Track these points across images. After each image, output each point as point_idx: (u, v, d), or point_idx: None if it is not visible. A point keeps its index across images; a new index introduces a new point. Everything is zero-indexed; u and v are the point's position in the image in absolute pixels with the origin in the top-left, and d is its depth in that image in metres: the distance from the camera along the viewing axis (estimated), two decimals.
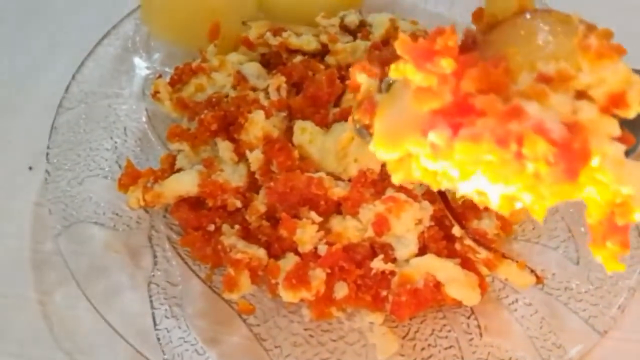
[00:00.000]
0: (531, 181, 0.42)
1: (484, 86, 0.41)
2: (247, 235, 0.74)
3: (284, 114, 0.81)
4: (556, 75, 0.42)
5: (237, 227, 0.74)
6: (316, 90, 0.79)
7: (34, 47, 1.02)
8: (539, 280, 0.68)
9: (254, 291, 0.72)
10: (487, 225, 0.73)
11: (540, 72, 0.42)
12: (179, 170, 0.78)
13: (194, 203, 0.75)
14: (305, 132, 0.78)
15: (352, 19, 0.91)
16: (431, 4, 1.02)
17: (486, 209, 0.74)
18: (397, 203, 0.71)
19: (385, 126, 0.48)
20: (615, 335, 0.73)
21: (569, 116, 0.41)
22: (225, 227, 0.73)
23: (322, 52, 0.89)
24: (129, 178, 0.75)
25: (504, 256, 0.68)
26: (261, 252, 0.71)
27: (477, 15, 0.51)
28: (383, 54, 0.84)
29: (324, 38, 0.88)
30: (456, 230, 0.70)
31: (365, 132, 0.53)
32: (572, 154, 0.40)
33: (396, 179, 0.49)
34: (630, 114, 0.41)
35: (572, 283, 0.71)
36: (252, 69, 0.86)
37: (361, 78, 0.52)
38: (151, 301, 0.69)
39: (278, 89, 0.82)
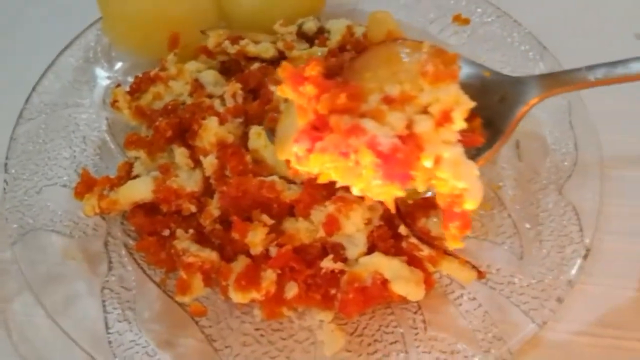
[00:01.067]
0: (367, 182, 0.55)
1: (337, 108, 0.52)
2: (202, 239, 0.76)
3: (240, 119, 0.83)
4: (399, 96, 0.53)
5: (191, 231, 0.75)
6: (272, 96, 0.81)
7: None
8: (480, 275, 0.70)
9: (208, 294, 0.74)
10: (433, 224, 0.75)
11: (386, 94, 0.53)
12: (136, 177, 0.80)
13: (150, 209, 0.77)
14: (261, 137, 0.80)
15: (309, 26, 0.93)
16: (391, 10, 1.04)
17: (434, 208, 0.77)
18: (346, 203, 0.73)
19: (280, 133, 0.60)
20: (560, 328, 0.75)
21: (403, 130, 0.52)
22: (179, 232, 0.75)
23: (279, 59, 0.91)
24: (85, 186, 0.77)
25: (446, 253, 0.70)
26: (214, 255, 0.73)
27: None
28: (338, 60, 0.86)
29: (280, 45, 0.90)
30: (402, 229, 0.72)
31: (271, 135, 0.66)
32: (395, 163, 0.52)
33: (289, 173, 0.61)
34: (456, 128, 0.52)
35: (516, 277, 0.73)
36: (210, 77, 0.88)
37: (272, 88, 0.62)
38: (104, 306, 0.71)
39: (234, 96, 0.84)
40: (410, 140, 0.52)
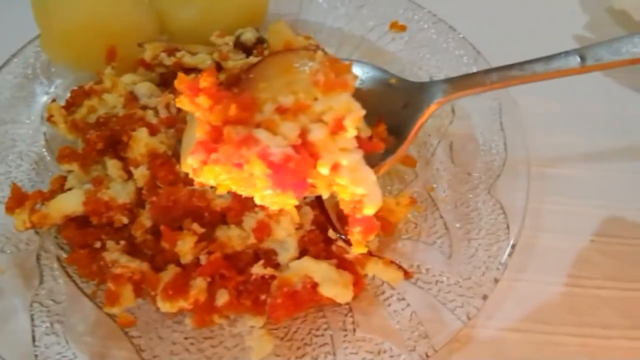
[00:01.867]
0: (260, 192, 0.55)
1: (230, 119, 0.53)
2: (134, 250, 0.76)
3: (172, 130, 0.83)
4: (293, 106, 0.54)
5: (122, 242, 0.75)
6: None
7: None
8: (407, 274, 0.71)
9: (141, 304, 0.74)
10: None
11: (279, 104, 0.54)
12: (69, 190, 0.80)
13: (82, 222, 0.77)
14: None
15: (247, 36, 0.94)
16: (330, 19, 1.06)
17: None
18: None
19: (184, 144, 0.61)
20: (492, 324, 0.76)
21: (296, 139, 0.53)
22: (109, 244, 0.75)
23: (216, 70, 0.92)
24: (16, 201, 0.76)
25: (370, 254, 0.71)
26: (144, 266, 0.73)
27: None
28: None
29: (216, 56, 0.91)
30: (331, 233, 0.73)
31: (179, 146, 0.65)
32: (287, 172, 0.52)
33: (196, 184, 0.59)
34: (349, 136, 0.53)
35: (444, 276, 0.74)
36: (144, 89, 0.88)
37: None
38: (32, 319, 0.70)
39: (167, 106, 0.85)
40: (304, 149, 0.53)
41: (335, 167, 0.53)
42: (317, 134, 0.53)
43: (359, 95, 0.58)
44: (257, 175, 0.53)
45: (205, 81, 0.52)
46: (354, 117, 0.52)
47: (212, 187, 0.74)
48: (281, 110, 0.54)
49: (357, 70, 0.71)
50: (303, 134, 0.53)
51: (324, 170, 0.53)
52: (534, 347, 0.75)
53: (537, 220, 0.85)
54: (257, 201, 0.58)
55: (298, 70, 0.56)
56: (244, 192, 0.57)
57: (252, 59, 0.91)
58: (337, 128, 0.53)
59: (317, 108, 0.53)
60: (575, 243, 0.84)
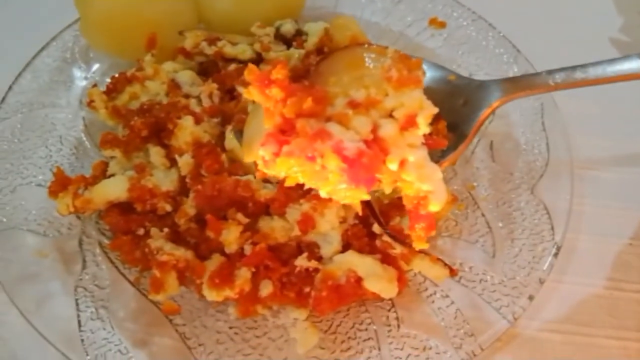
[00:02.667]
0: (333, 186, 0.55)
1: (303, 112, 0.53)
2: (177, 237, 0.76)
3: (216, 119, 0.83)
4: (365, 101, 0.54)
5: (166, 230, 0.75)
6: (240, 97, 0.81)
7: None
8: (452, 272, 0.71)
9: (184, 292, 0.74)
10: (406, 223, 0.75)
11: (351, 99, 0.54)
12: (111, 176, 0.79)
13: (125, 208, 0.77)
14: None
15: (287, 28, 0.94)
16: (367, 13, 1.05)
17: None
18: (321, 201, 0.73)
19: (247, 135, 0.61)
20: (534, 325, 0.76)
21: (368, 134, 0.53)
22: (153, 231, 0.75)
23: (257, 61, 0.92)
24: (59, 185, 0.76)
25: (417, 251, 0.71)
26: (188, 254, 0.73)
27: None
28: (305, 63, 0.86)
29: (258, 47, 0.91)
30: (376, 228, 0.73)
31: (239, 136, 0.66)
32: (361, 167, 0.52)
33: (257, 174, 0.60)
34: (420, 132, 0.54)
35: (488, 275, 0.74)
36: (186, 77, 0.88)
37: (240, 89, 0.64)
38: (77, 304, 0.71)
39: (210, 96, 0.85)
40: (375, 144, 0.54)
41: (402, 163, 0.53)
42: (388, 130, 0.53)
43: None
44: (331, 170, 0.53)
45: (279, 73, 0.52)
46: (427, 115, 0.53)
47: (255, 177, 0.76)
48: (353, 105, 0.54)
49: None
50: (374, 129, 0.54)
51: (392, 165, 0.53)
52: (574, 348, 0.75)
53: (577, 221, 0.85)
54: (324, 194, 0.58)
55: (368, 65, 0.56)
56: (314, 185, 0.57)
57: (293, 51, 0.91)
58: (408, 124, 0.53)
59: (388, 104, 0.54)
60: (615, 246, 0.84)
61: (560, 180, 0.82)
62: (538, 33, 1.05)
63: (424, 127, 0.53)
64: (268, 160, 0.55)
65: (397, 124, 0.53)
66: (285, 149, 0.54)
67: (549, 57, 0.87)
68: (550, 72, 0.66)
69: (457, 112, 0.69)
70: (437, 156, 0.63)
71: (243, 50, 0.91)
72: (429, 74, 0.72)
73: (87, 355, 0.66)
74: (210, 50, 0.90)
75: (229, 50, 0.91)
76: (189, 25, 0.96)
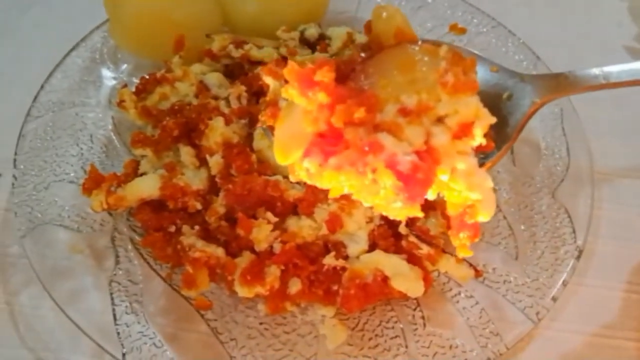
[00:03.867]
0: (386, 202, 0.51)
1: (353, 120, 0.48)
2: (207, 235, 0.78)
3: (244, 121, 0.85)
4: (416, 107, 0.49)
5: (197, 227, 0.77)
6: (266, 89, 0.82)
7: (3, 58, 1.06)
8: (477, 273, 0.73)
9: (213, 288, 0.76)
10: (432, 224, 0.77)
11: (402, 105, 0.49)
12: (142, 174, 0.81)
13: (156, 206, 0.79)
14: (265, 138, 0.82)
15: (311, 32, 0.96)
16: None
17: (433, 208, 0.79)
18: (349, 201, 0.75)
19: (281, 135, 0.55)
20: (555, 326, 0.78)
21: (422, 145, 0.49)
22: (185, 228, 0.77)
23: (282, 64, 0.93)
24: (93, 182, 0.78)
25: (443, 251, 0.73)
26: (219, 251, 0.75)
27: (367, 27, 0.56)
28: (347, 62, 0.87)
29: (283, 51, 0.93)
30: (402, 228, 0.75)
31: (269, 133, 0.59)
32: (416, 183, 0.48)
33: (293, 177, 0.55)
34: (475, 143, 0.49)
35: (511, 276, 0.76)
36: (214, 79, 0.90)
37: (268, 80, 0.59)
38: (112, 298, 0.72)
39: (238, 98, 0.87)
40: (427, 155, 0.49)
41: (451, 171, 0.50)
42: (442, 140, 0.49)
43: None
44: (384, 186, 0.49)
45: (325, 76, 0.48)
46: (484, 125, 0.48)
47: (284, 177, 0.78)
48: (405, 112, 0.49)
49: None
50: (427, 138, 0.49)
51: (444, 176, 0.50)
52: (595, 349, 0.77)
53: (596, 225, 0.86)
54: (376, 208, 0.54)
55: (421, 67, 0.51)
56: (361, 199, 0.53)
57: (318, 55, 0.93)
58: (462, 133, 0.49)
59: (441, 110, 0.49)
60: (633, 250, 0.86)
61: (581, 184, 0.84)
62: (556, 40, 1.07)
63: (479, 138, 0.49)
64: (313, 173, 0.51)
65: (450, 133, 0.49)
66: (332, 162, 0.50)
67: (567, 64, 0.88)
68: (597, 71, 0.63)
69: (499, 108, 0.64)
70: (479, 158, 0.55)
71: (269, 53, 0.93)
72: None
73: (124, 348, 0.68)
74: (237, 53, 0.92)
75: (255, 53, 0.92)
76: (213, 28, 0.97)
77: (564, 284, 0.74)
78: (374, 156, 0.48)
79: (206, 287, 0.73)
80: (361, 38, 0.95)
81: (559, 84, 0.65)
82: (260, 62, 0.93)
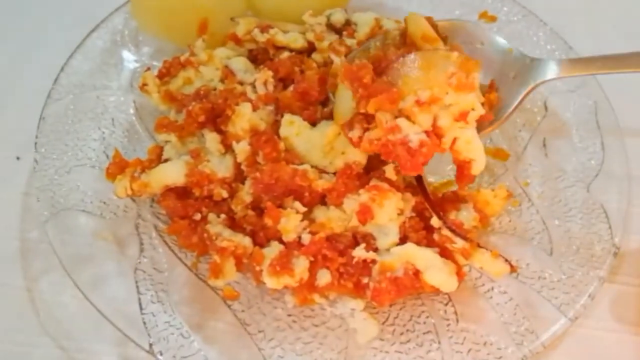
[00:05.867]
0: None
1: (381, 107, 0.67)
2: (233, 224, 0.76)
3: (270, 107, 0.82)
4: (429, 99, 0.67)
5: (223, 216, 0.75)
6: (307, 87, 0.81)
7: (23, 39, 1.03)
8: (512, 269, 0.71)
9: (239, 278, 0.74)
10: (464, 217, 0.75)
11: (418, 98, 0.67)
12: (166, 160, 0.79)
13: (181, 193, 0.77)
14: (293, 125, 0.79)
15: (338, 17, 0.93)
16: (414, 5, 1.05)
17: (465, 201, 0.77)
18: (380, 192, 0.73)
19: (339, 102, 0.73)
20: (588, 324, 0.76)
21: (429, 127, 0.68)
22: (211, 216, 0.75)
23: (308, 50, 0.91)
24: (117, 167, 0.76)
25: (478, 246, 0.71)
26: (246, 241, 0.73)
27: (403, 33, 0.79)
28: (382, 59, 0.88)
29: (310, 36, 0.90)
30: (434, 221, 0.73)
31: (332, 96, 0.77)
32: (421, 155, 0.67)
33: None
34: (469, 127, 0.68)
35: (546, 272, 0.74)
36: (240, 64, 0.88)
37: (332, 56, 0.79)
38: (137, 287, 0.71)
39: (265, 84, 0.84)
40: (433, 132, 0.68)
41: (454, 140, 0.68)
42: (445, 122, 0.68)
43: (480, 53, 0.77)
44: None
45: (365, 77, 0.68)
46: (476, 115, 0.67)
47: (313, 166, 0.76)
48: (419, 104, 0.67)
49: (478, 35, 0.83)
50: (434, 120, 0.68)
51: (446, 146, 0.68)
52: (629, 348, 0.75)
53: (629, 222, 0.84)
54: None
55: (436, 69, 0.68)
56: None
57: (346, 40, 0.90)
58: (461, 118, 0.67)
59: (447, 100, 0.67)
60: None
61: (616, 180, 0.81)
62: (585, 31, 1.05)
63: (472, 124, 0.68)
64: (355, 140, 0.70)
65: (452, 117, 0.67)
66: (366, 135, 0.69)
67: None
68: (604, 57, 0.73)
69: (507, 83, 0.78)
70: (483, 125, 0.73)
71: (295, 38, 0.90)
72: (492, 41, 0.82)
73: (150, 337, 0.66)
74: (262, 38, 0.89)
75: (280, 38, 0.90)
76: (237, 12, 0.95)
77: (601, 281, 0.72)
78: (393, 135, 0.67)
79: (233, 277, 0.71)
80: (389, 23, 0.92)
81: (566, 66, 0.77)
82: (285, 48, 0.90)
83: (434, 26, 0.78)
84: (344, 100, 0.72)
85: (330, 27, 0.93)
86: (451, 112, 0.68)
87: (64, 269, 0.70)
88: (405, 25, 0.79)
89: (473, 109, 0.68)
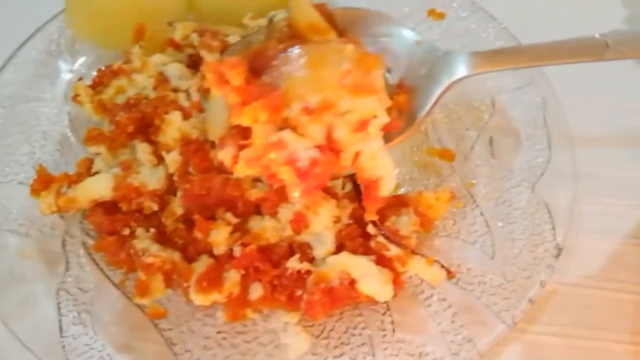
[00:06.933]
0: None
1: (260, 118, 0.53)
2: (164, 238, 0.73)
3: (204, 115, 0.80)
4: (319, 105, 0.54)
5: (152, 230, 0.73)
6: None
7: None
8: (449, 274, 0.68)
9: (170, 295, 0.71)
10: (404, 222, 0.73)
11: (306, 105, 0.54)
12: (96, 174, 0.77)
13: (110, 207, 0.74)
14: None
15: (280, 18, 0.90)
16: (364, 2, 1.01)
17: (405, 205, 0.75)
18: (314, 200, 0.70)
19: (210, 112, 0.64)
20: (531, 329, 0.74)
21: (322, 140, 0.55)
22: (139, 231, 0.72)
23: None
24: (42, 183, 0.73)
25: (413, 252, 0.68)
26: (175, 255, 0.70)
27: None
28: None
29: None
30: (370, 228, 0.70)
31: (205, 101, 0.66)
32: (313, 178, 0.55)
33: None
34: (371, 139, 0.56)
35: (487, 277, 0.71)
36: (175, 70, 0.85)
37: (203, 53, 0.69)
38: (59, 308, 0.68)
39: (199, 90, 0.81)
40: (328, 147, 0.56)
41: (356, 155, 0.57)
42: (342, 133, 0.55)
43: (384, 47, 0.66)
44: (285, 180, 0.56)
45: (235, 79, 0.52)
46: (379, 124, 0.55)
47: (247, 175, 0.73)
48: (308, 111, 0.54)
49: (382, 26, 0.72)
50: (328, 130, 0.55)
51: (346, 162, 0.57)
52: (576, 352, 0.72)
53: (577, 220, 0.82)
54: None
55: (327, 66, 0.55)
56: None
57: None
58: (361, 128, 0.55)
59: (343, 106, 0.54)
60: (617, 246, 0.81)
61: (562, 178, 0.79)
62: (540, 25, 1.02)
63: (374, 135, 0.56)
64: (227, 162, 0.58)
65: (350, 127, 0.55)
66: (242, 154, 0.56)
67: None
68: (517, 48, 0.65)
69: (417, 81, 0.67)
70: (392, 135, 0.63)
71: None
72: (397, 32, 0.72)
73: None
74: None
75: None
76: (178, 16, 0.92)
77: (542, 284, 0.69)
78: (276, 152, 0.54)
79: (161, 294, 0.68)
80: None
81: (478, 62, 0.67)
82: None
83: (329, 15, 0.66)
84: (217, 110, 0.61)
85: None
86: (348, 120, 0.55)
87: None
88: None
89: (375, 116, 0.56)
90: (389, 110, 0.59)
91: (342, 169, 0.58)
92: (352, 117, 0.55)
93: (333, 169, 0.56)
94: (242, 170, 0.57)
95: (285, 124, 0.55)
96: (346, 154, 0.56)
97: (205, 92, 0.66)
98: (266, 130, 0.54)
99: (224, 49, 0.77)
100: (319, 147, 0.55)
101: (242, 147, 0.56)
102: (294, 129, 0.55)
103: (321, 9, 0.66)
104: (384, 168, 0.58)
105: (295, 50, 0.58)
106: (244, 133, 0.55)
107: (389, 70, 0.69)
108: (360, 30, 0.68)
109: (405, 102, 0.67)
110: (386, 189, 0.60)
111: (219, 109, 0.60)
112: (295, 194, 0.57)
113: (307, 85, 0.55)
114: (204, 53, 0.76)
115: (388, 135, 0.59)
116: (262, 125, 0.54)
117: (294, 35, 0.62)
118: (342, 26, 0.67)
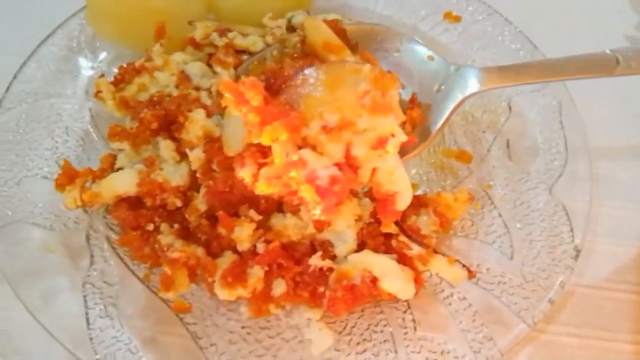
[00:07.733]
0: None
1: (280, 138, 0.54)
2: (187, 234, 0.74)
3: None
4: (338, 124, 0.55)
5: (176, 226, 0.73)
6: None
7: None
8: (470, 274, 0.69)
9: (194, 290, 0.72)
10: (424, 222, 0.74)
11: (325, 123, 0.55)
12: (119, 169, 0.77)
13: (134, 202, 0.75)
14: None
15: (299, 20, 0.91)
16: (380, 6, 1.03)
17: (424, 206, 0.76)
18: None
19: (228, 128, 0.63)
20: (550, 329, 0.75)
21: (341, 159, 0.56)
22: (163, 227, 0.73)
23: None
24: (66, 178, 0.74)
25: (435, 251, 0.69)
26: (200, 251, 0.71)
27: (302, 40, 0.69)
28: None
29: (269, 39, 0.88)
30: (392, 227, 0.71)
31: (221, 119, 0.66)
32: (333, 195, 0.55)
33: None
34: (389, 156, 0.57)
35: (506, 277, 0.72)
36: (196, 69, 0.86)
37: (217, 69, 0.68)
38: (85, 301, 0.69)
39: (216, 105, 0.82)
40: (347, 164, 0.57)
41: (373, 171, 0.58)
42: (361, 151, 0.56)
43: (396, 63, 0.67)
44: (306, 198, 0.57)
45: (254, 99, 0.52)
46: (396, 142, 0.56)
47: None
48: (327, 130, 0.55)
49: (395, 41, 0.74)
50: (347, 148, 0.56)
51: (363, 179, 0.58)
52: (592, 353, 0.74)
53: (594, 223, 0.83)
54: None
55: (345, 86, 0.56)
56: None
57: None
58: (379, 146, 0.57)
59: (361, 125, 0.56)
60: (634, 249, 0.82)
61: (579, 181, 0.80)
62: (552, 31, 1.03)
63: (392, 153, 0.57)
64: (247, 180, 0.58)
65: (368, 145, 0.56)
66: (262, 173, 0.56)
67: (565, 54, 0.85)
68: (526, 65, 0.68)
69: (430, 96, 0.70)
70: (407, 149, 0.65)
71: (254, 42, 0.88)
72: (409, 48, 0.74)
73: (97, 354, 0.64)
74: (220, 42, 0.88)
75: (240, 42, 0.88)
76: (198, 15, 0.93)
77: (562, 285, 0.70)
78: (296, 170, 0.55)
79: (186, 288, 0.69)
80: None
81: (488, 77, 0.70)
82: (245, 51, 0.88)
83: (341, 31, 0.67)
84: (235, 127, 0.61)
85: (291, 29, 0.92)
86: (367, 138, 0.56)
87: (9, 284, 0.68)
88: (304, 33, 0.69)
89: (393, 135, 0.57)
90: (402, 125, 0.60)
91: (360, 185, 0.60)
92: (371, 135, 0.56)
93: (351, 185, 0.57)
94: (262, 188, 0.58)
95: (304, 143, 0.56)
96: (364, 171, 0.57)
97: (220, 109, 0.66)
98: (286, 148, 0.55)
99: (238, 64, 0.78)
100: (338, 164, 0.56)
101: (261, 165, 0.57)
102: (313, 147, 0.56)
103: (335, 24, 0.68)
104: (401, 183, 0.59)
105: (312, 70, 0.58)
106: (263, 151, 0.56)
107: (402, 87, 0.71)
108: (373, 46, 0.71)
109: (418, 116, 0.68)
110: (403, 204, 0.61)
111: (237, 126, 0.60)
112: (316, 211, 0.58)
113: (326, 104, 0.55)
114: (218, 69, 0.76)
115: (402, 149, 0.60)
116: (282, 144, 0.54)
117: (309, 53, 0.65)
118: (354, 41, 0.70)
